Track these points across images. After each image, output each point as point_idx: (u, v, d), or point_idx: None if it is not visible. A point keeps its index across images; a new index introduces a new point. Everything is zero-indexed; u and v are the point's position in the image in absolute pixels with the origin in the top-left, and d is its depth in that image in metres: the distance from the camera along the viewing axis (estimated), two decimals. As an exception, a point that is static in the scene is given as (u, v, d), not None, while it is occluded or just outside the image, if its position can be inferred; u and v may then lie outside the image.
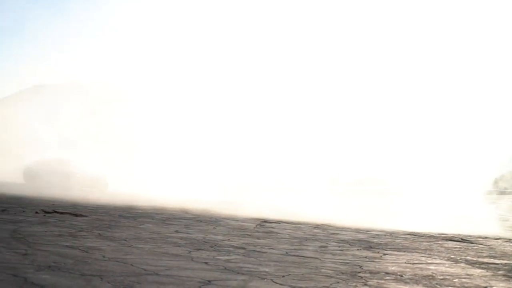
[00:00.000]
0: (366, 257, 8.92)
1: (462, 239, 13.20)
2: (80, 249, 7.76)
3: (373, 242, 11.24)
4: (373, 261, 8.57)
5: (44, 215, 12.17)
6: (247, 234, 11.34)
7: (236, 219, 14.75)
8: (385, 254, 9.50)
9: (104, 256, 7.29)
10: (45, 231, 9.46)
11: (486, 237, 14.56)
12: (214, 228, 12.15)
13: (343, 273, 7.15)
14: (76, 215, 12.63)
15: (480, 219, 20.88)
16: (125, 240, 9.05)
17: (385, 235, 13.12)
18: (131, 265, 6.75)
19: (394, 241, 11.73)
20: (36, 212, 12.60)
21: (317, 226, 14.19)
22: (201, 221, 13.49)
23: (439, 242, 12.17)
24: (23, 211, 12.69)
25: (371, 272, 7.40)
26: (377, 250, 9.92)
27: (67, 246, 8.00)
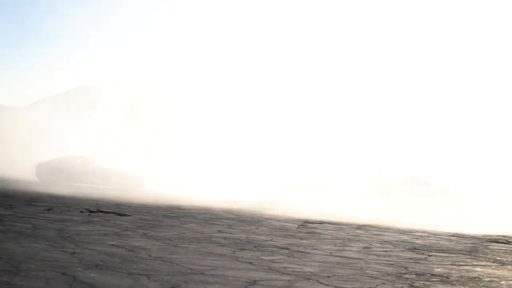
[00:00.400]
0: (410, 258, 8.83)
1: (507, 241, 12.98)
2: (126, 248, 7.85)
3: (417, 244, 11.13)
4: (418, 262, 8.49)
5: (89, 214, 12.34)
6: (290, 235, 11.33)
7: (278, 220, 14.74)
8: (430, 255, 9.40)
9: (150, 255, 7.36)
10: (91, 230, 9.59)
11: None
12: (257, 228, 12.17)
13: (388, 274, 7.10)
14: (120, 215, 12.77)
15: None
16: (170, 240, 9.12)
17: (428, 236, 12.98)
18: (177, 264, 6.80)
19: (438, 243, 11.59)
20: (81, 212, 12.77)
21: (359, 227, 14.10)
22: (243, 221, 13.53)
23: (484, 244, 11.99)
24: (68, 210, 12.88)
25: (416, 274, 7.33)
26: (422, 252, 9.82)
27: (113, 245, 8.09)
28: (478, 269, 8.18)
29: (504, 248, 11.45)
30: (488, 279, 7.26)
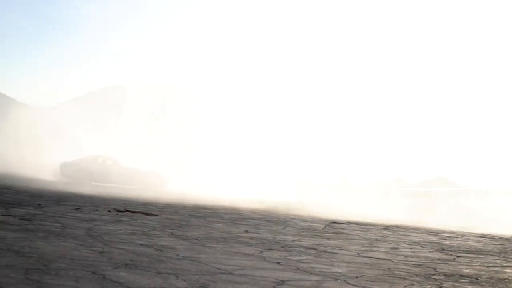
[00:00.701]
0: (439, 259, 8.77)
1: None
2: (154, 248, 7.89)
3: (445, 244, 11.05)
4: (447, 263, 8.42)
5: (117, 214, 12.43)
6: (317, 235, 11.32)
7: (304, 220, 14.73)
8: (458, 256, 9.32)
9: (178, 255, 7.39)
10: (119, 230, 9.66)
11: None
12: (283, 228, 12.17)
13: (416, 275, 7.05)
14: (147, 214, 12.85)
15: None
16: (197, 239, 9.15)
17: (456, 237, 12.88)
18: (205, 264, 6.83)
19: (467, 243, 11.50)
20: (109, 211, 12.87)
21: (386, 228, 14.03)
22: (269, 221, 13.53)
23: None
24: (96, 210, 12.99)
25: (445, 275, 7.28)
26: (450, 253, 9.74)
27: (141, 244, 8.14)
28: (507, 270, 8.10)
29: (533, 250, 11.32)
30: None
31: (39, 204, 13.07)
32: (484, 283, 6.84)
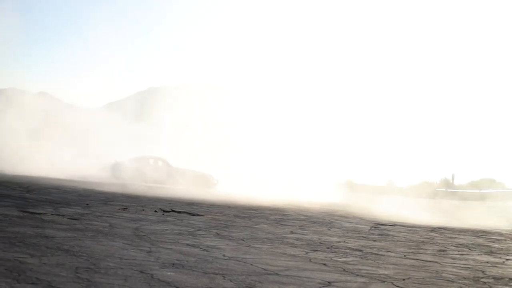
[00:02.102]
0: (487, 262, 8.64)
1: None
2: (200, 248, 7.94)
3: (493, 247, 10.87)
4: (496, 266, 8.29)
5: (163, 214, 12.54)
6: (363, 236, 11.25)
7: (349, 221, 14.64)
8: (507, 259, 9.17)
9: (224, 255, 7.43)
10: (166, 229, 9.75)
11: None
12: (329, 229, 12.13)
13: (465, 278, 6.96)
14: (193, 215, 12.93)
15: None
16: (243, 240, 9.18)
17: (505, 239, 12.66)
18: (251, 264, 6.85)
19: (516, 246, 11.29)
20: (155, 211, 12.99)
21: (433, 230, 13.86)
22: (314, 222, 13.50)
23: None
24: (143, 210, 13.13)
25: (494, 278, 7.16)
26: (499, 255, 9.58)
27: (187, 244, 8.21)
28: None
29: None
30: None
31: (87, 204, 13.27)
32: (535, 287, 6.72)
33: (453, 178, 52.35)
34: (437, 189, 47.93)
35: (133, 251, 7.17)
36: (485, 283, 6.73)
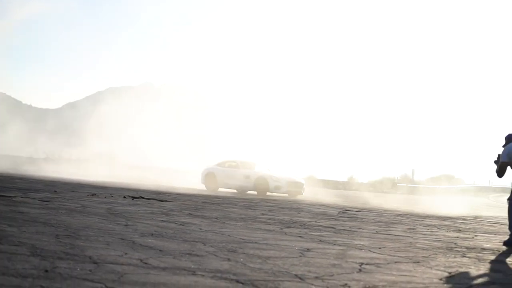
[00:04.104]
0: (458, 237, 8.82)
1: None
2: (176, 223, 7.96)
3: (460, 227, 11.08)
4: (466, 240, 8.47)
5: (132, 199, 12.49)
6: (333, 218, 11.37)
7: (317, 208, 14.74)
8: (476, 235, 9.37)
9: (200, 229, 7.46)
10: (138, 210, 9.73)
11: None
12: (298, 213, 12.21)
13: (439, 248, 7.10)
14: (162, 201, 12.90)
15: None
16: (216, 219, 9.21)
17: (470, 222, 12.91)
18: (229, 236, 6.89)
19: (482, 227, 11.53)
20: (124, 197, 12.93)
21: (399, 215, 14.05)
22: (283, 208, 13.57)
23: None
24: (111, 196, 13.05)
25: (467, 248, 7.33)
26: (468, 233, 9.78)
27: (162, 220, 8.21)
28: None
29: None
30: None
31: (55, 191, 13.13)
32: (505, 254, 6.90)
33: (413, 174, 53.07)
34: (397, 184, 48.50)
35: (110, 224, 7.15)
36: (458, 251, 6.88)
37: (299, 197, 20.78)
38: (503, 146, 8.49)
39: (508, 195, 8.34)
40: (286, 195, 21.33)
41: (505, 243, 7.88)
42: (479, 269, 5.55)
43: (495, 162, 8.53)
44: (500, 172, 8.39)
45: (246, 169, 21.71)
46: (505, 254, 6.92)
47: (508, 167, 8.34)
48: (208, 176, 22.61)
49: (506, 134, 8.66)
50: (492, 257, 6.54)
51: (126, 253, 4.96)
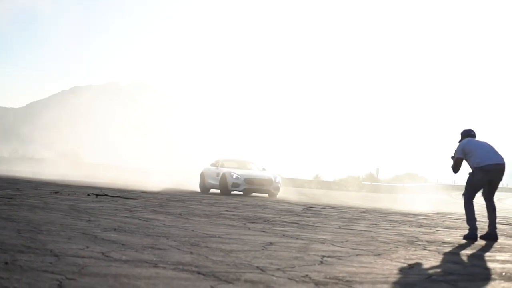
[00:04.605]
0: (419, 232, 8.95)
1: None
2: (139, 219, 7.94)
3: (422, 223, 11.23)
4: (427, 234, 8.60)
5: (96, 197, 12.42)
6: (297, 214, 11.44)
7: (281, 205, 14.81)
8: (437, 230, 9.51)
9: (164, 224, 7.45)
10: (102, 207, 9.68)
11: None
12: (263, 210, 12.26)
13: (400, 242, 7.20)
14: (126, 198, 12.85)
15: None
16: (180, 215, 9.21)
17: (432, 218, 13.08)
18: (192, 230, 6.90)
19: (443, 223, 11.70)
20: (88, 195, 12.85)
21: (363, 211, 14.19)
22: (248, 205, 13.61)
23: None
24: (75, 193, 12.96)
25: (428, 241, 7.44)
26: (429, 228, 9.92)
27: (126, 216, 8.19)
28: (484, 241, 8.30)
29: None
30: (499, 246, 7.39)
31: (18, 188, 12.99)
32: (465, 247, 7.03)
33: (377, 172, 53.54)
34: (362, 182, 48.94)
35: (73, 220, 7.11)
36: (419, 244, 6.99)
37: (273, 197, 19.87)
38: (459, 142, 8.68)
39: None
40: (242, 193, 20.52)
41: (465, 237, 8.04)
42: (438, 261, 5.65)
43: (452, 157, 8.71)
44: (455, 168, 8.59)
45: (226, 168, 20.07)
46: (464, 247, 7.05)
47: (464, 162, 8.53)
48: (201, 176, 21.36)
49: (462, 130, 8.85)
50: (452, 250, 6.66)
51: (88, 247, 4.95)
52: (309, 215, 11.40)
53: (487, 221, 8.25)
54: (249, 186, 19.99)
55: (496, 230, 8.26)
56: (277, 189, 20.60)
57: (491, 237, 8.06)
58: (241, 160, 22.27)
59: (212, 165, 21.12)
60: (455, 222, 12.18)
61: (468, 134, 8.68)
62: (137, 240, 5.68)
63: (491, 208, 8.32)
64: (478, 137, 8.73)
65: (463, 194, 8.38)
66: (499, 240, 8.23)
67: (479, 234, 8.05)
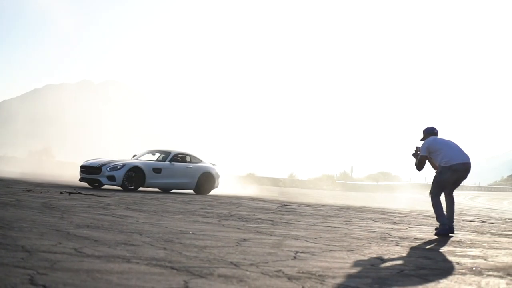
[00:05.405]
0: (392, 228, 9.02)
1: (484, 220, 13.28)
2: (113, 216, 7.90)
3: (395, 220, 11.33)
4: (400, 231, 8.68)
5: (69, 194, 12.32)
6: (271, 212, 11.46)
7: (256, 203, 14.83)
8: (410, 227, 9.60)
9: (138, 221, 7.42)
10: (75, 204, 9.61)
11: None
12: (237, 207, 12.27)
13: (373, 238, 7.26)
14: (100, 196, 12.76)
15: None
16: (154, 212, 9.18)
17: (405, 216, 13.20)
18: (166, 227, 6.88)
19: (416, 220, 11.82)
20: (61, 192, 12.75)
21: (337, 209, 14.27)
22: (222, 203, 13.61)
23: (461, 222, 12.26)
24: (48, 191, 12.84)
25: (400, 238, 7.51)
26: (402, 225, 10.02)
27: (99, 214, 8.13)
28: (459, 236, 8.40)
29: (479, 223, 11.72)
30: (470, 242, 7.48)
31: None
32: (437, 243, 7.11)
33: (352, 171, 53.86)
34: (337, 181, 49.22)
35: (45, 217, 7.05)
36: (392, 240, 7.05)
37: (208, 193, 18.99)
38: (421, 140, 8.76)
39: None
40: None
41: (436, 233, 8.14)
42: (410, 256, 5.71)
43: (414, 155, 8.80)
44: (420, 166, 8.68)
45: (140, 160, 18.70)
46: (436, 243, 7.12)
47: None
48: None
49: (424, 128, 8.92)
50: (424, 246, 6.73)
51: (60, 243, 4.91)
52: (284, 213, 11.43)
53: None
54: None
55: (453, 224, 8.43)
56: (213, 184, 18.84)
57: (449, 231, 8.21)
58: (171, 151, 18.80)
59: (134, 157, 18.89)
60: (428, 219, 12.30)
61: (431, 132, 8.76)
62: (110, 236, 5.65)
63: (450, 202, 8.46)
64: (444, 136, 8.81)
65: (430, 193, 8.48)
66: (470, 236, 8.36)
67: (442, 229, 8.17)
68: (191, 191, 18.47)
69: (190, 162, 18.48)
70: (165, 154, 18.44)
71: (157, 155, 18.90)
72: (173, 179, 17.80)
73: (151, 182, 17.19)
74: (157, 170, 17.28)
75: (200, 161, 18.87)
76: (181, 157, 18.31)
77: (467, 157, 8.37)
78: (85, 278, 3.58)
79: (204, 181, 18.36)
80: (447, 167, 8.20)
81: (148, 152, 18.89)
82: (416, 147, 8.80)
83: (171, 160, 17.93)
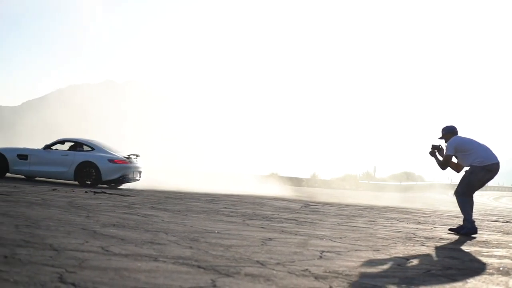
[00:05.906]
0: (417, 228, 8.97)
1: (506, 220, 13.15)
2: (138, 215, 7.93)
3: (420, 220, 11.26)
4: (425, 231, 8.62)
5: (94, 194, 12.41)
6: (295, 211, 11.45)
7: (280, 202, 14.83)
8: (435, 227, 9.53)
9: (163, 220, 7.45)
10: (100, 203, 9.67)
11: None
12: (261, 207, 12.27)
13: (398, 238, 7.22)
14: (124, 196, 12.83)
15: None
16: (179, 211, 9.20)
17: (430, 216, 13.11)
18: (191, 226, 6.90)
19: (441, 220, 11.74)
20: (86, 192, 12.83)
21: (361, 209, 14.22)
22: (246, 202, 13.62)
23: (486, 222, 12.15)
24: (73, 191, 12.94)
25: (426, 238, 7.46)
26: (427, 225, 9.95)
27: (125, 213, 8.18)
28: (485, 236, 8.33)
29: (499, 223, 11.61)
30: (496, 242, 7.41)
31: (15, 186, 12.98)
32: (463, 243, 7.05)
33: (374, 171, 53.62)
34: (359, 181, 48.97)
35: (71, 216, 7.10)
36: (417, 240, 7.01)
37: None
38: (440, 138, 8.63)
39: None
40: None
41: (463, 233, 8.07)
42: (437, 256, 5.67)
43: (431, 153, 8.68)
44: (445, 165, 8.56)
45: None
46: (462, 243, 7.07)
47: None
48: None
49: (443, 126, 8.77)
50: (450, 246, 6.69)
51: (87, 241, 4.95)
52: (307, 212, 11.41)
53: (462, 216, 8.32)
54: None
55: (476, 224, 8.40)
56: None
57: (474, 231, 8.16)
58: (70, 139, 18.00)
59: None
60: (452, 219, 12.20)
61: (452, 131, 8.63)
62: (136, 235, 5.67)
63: (471, 203, 8.36)
64: (474, 137, 8.71)
65: (456, 192, 8.38)
66: (496, 237, 8.29)
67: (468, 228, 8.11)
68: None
69: (89, 151, 16.91)
70: (61, 143, 17.65)
71: (67, 144, 17.70)
72: (43, 166, 16.70)
73: (15, 169, 16.62)
74: (22, 156, 16.63)
75: (104, 150, 17.02)
76: (73, 146, 17.18)
77: (497, 158, 8.31)
78: (113, 276, 3.61)
79: (83, 171, 16.46)
80: (481, 167, 8.10)
81: (58, 142, 17.65)
82: (432, 145, 8.69)
83: (47, 147, 17.02)
